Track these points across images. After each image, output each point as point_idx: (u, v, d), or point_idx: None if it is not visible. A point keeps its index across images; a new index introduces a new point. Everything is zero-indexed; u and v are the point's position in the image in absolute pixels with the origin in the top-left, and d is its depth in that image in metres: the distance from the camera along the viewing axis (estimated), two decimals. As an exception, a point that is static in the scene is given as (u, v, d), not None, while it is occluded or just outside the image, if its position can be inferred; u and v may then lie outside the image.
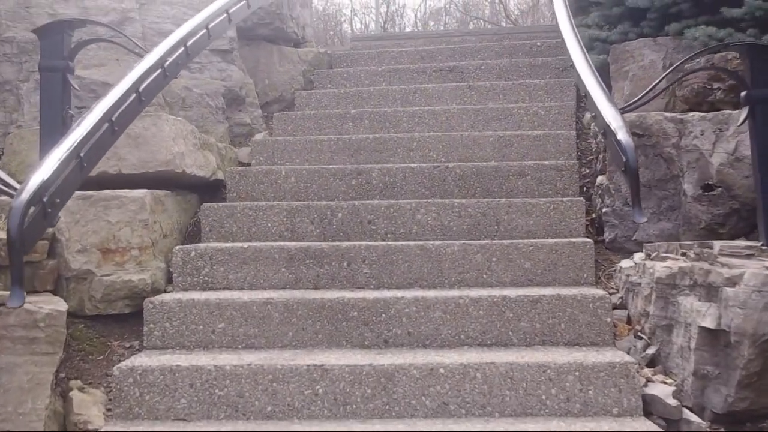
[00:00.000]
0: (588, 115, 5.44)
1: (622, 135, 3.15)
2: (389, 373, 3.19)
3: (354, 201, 4.41)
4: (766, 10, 4.52)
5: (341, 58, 6.81)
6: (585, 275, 3.89)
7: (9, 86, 5.02)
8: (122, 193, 3.92)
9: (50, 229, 3.66)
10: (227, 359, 3.34)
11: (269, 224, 4.37)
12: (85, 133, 3.13)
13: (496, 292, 3.61)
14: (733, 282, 3.00)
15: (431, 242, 3.98)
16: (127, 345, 3.75)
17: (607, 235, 4.25)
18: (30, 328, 3.24)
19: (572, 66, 4.09)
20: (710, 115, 4.06)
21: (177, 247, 4.03)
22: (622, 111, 3.42)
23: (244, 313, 3.59)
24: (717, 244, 3.29)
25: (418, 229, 4.29)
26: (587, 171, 4.87)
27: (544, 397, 3.17)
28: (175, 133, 4.44)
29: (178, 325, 3.60)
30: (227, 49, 5.69)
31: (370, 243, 3.99)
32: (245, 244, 4.02)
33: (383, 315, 3.57)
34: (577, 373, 3.16)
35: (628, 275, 3.76)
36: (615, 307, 3.74)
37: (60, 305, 3.34)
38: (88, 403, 3.30)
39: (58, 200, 2.86)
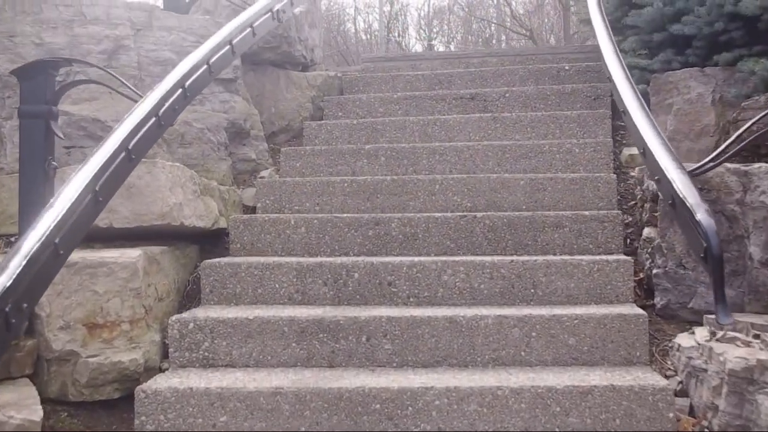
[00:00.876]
0: (626, 153, 4.96)
1: (702, 215, 2.66)
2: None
3: (372, 259, 3.93)
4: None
5: (352, 82, 6.32)
6: (638, 353, 3.41)
7: (-10, 124, 4.56)
8: (110, 258, 3.45)
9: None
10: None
11: (277, 285, 3.90)
12: (63, 213, 2.65)
13: (539, 381, 3.13)
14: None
15: (461, 313, 3.49)
16: (117, 437, 3.29)
17: (659, 301, 3.77)
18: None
19: (624, 112, 3.60)
20: (780, 167, 3.58)
21: (174, 318, 3.55)
22: (693, 174, 2.92)
23: (249, 405, 3.11)
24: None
25: (444, 292, 3.82)
26: (629, 219, 4.39)
27: None
28: (172, 181, 3.98)
29: (174, 417, 3.13)
30: (231, 78, 5.21)
31: (391, 315, 3.51)
32: (250, 315, 3.54)
33: (410, 408, 3.09)
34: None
35: (689, 357, 3.27)
36: (675, 393, 3.26)
37: (34, 414, 2.86)
38: None
39: (25, 305, 2.37)
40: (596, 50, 6.35)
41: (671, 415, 3.04)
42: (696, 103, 4.62)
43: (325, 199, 4.65)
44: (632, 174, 4.79)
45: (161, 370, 3.54)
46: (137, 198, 3.88)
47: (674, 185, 2.78)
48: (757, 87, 4.23)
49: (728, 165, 3.64)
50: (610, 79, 3.99)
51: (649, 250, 3.91)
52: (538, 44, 17.99)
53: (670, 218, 3.63)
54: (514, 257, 3.87)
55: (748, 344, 3.04)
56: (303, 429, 3.10)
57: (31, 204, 3.41)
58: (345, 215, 4.29)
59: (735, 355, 2.94)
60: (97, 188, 2.80)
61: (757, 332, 3.09)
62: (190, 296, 4.08)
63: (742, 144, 3.29)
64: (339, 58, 20.39)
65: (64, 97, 4.01)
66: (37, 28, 4.72)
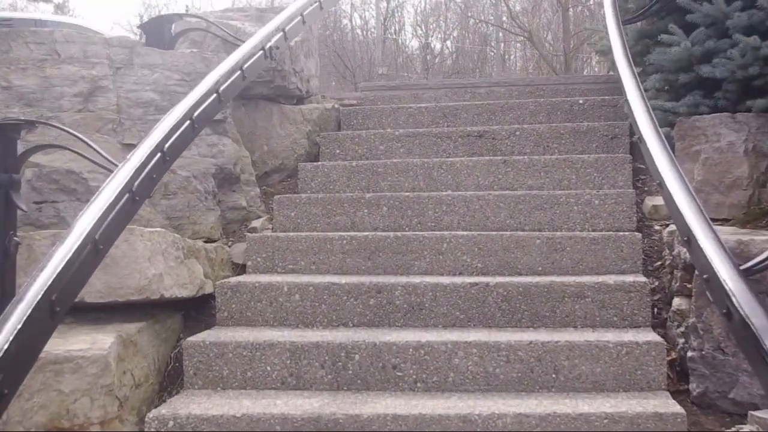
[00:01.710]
0: (649, 204, 4.56)
1: (760, 321, 2.24)
2: None
3: (374, 338, 3.51)
4: None
5: (351, 115, 5.90)
6: (677, 459, 3.02)
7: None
8: (78, 352, 3.06)
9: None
10: None
11: (269, 368, 3.50)
12: (23, 321, 2.25)
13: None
14: None
15: (476, 411, 3.08)
16: None
17: (695, 387, 3.37)
18: None
19: (660, 182, 3.17)
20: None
21: (151, 415, 3.14)
22: (749, 274, 2.50)
23: None
24: None
25: (455, 377, 3.42)
26: (656, 283, 3.99)
27: None
28: (151, 250, 3.58)
29: None
30: (219, 119, 4.79)
31: (398, 412, 3.10)
32: (238, 412, 3.13)
33: None
34: None
35: (737, 467, 2.89)
36: None
37: None
38: None
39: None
40: (611, 81, 5.99)
41: None
42: (727, 153, 4.21)
43: (322, 257, 4.25)
44: (656, 228, 4.40)
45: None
46: (112, 269, 3.49)
47: (729, 293, 2.35)
48: (796, 139, 3.84)
49: (777, 240, 3.25)
50: (640, 140, 3.56)
51: (682, 327, 3.51)
52: (536, 44, 17.62)
53: (705, 293, 3.24)
54: (533, 338, 3.46)
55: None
56: None
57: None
58: (344, 281, 3.89)
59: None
60: (53, 298, 2.38)
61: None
62: (172, 377, 3.68)
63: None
64: (335, 58, 20.01)
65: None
66: (5, 70, 4.30)
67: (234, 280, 4.03)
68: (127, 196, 2.96)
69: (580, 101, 5.61)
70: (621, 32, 4.71)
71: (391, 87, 6.70)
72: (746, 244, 3.23)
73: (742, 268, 2.53)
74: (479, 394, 3.33)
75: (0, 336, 2.16)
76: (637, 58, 4.98)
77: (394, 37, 22.18)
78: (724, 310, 2.42)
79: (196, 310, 4.06)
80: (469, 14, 19.74)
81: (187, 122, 3.60)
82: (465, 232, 4.23)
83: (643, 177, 4.88)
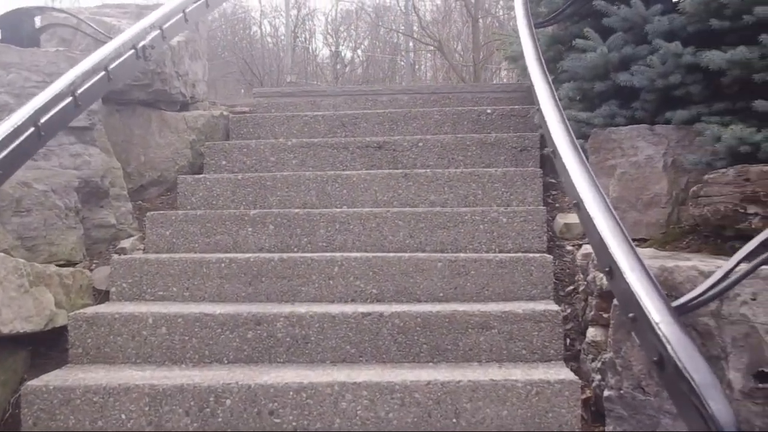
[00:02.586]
0: (561, 222, 4.19)
1: (719, 406, 1.80)
2: None
3: (249, 380, 3.02)
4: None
5: (241, 123, 5.40)
6: None
7: None
8: None
9: None
10: None
11: (123, 416, 2.97)
12: None
13: None
14: None
15: (364, 468, 2.64)
16: None
17: (611, 430, 2.98)
18: None
19: (578, 202, 2.77)
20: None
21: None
22: (682, 311, 2.09)
23: None
24: None
25: (342, 423, 2.95)
26: (568, 311, 3.61)
27: None
28: (-16, 278, 3.01)
29: None
30: (85, 126, 4.24)
31: (270, 471, 2.63)
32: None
33: None
34: None
35: None
36: None
37: None
38: None
39: None
40: (521, 90, 5.66)
41: None
42: (644, 167, 3.88)
43: (197, 282, 3.74)
44: (569, 248, 4.03)
45: None
46: (-65, 302, 2.92)
47: (662, 339, 1.94)
48: (719, 155, 3.51)
49: (701, 266, 2.88)
50: (554, 153, 3.17)
51: (598, 362, 3.13)
52: (446, 54, 17.46)
53: (627, 330, 2.86)
54: (432, 377, 3.02)
55: None
56: None
57: None
58: (219, 311, 3.39)
59: None
60: None
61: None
62: (11, 426, 3.12)
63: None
64: (243, 65, 19.46)
65: None
66: None
67: (91, 310, 3.48)
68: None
69: (488, 111, 5.23)
70: (533, 35, 4.34)
71: (287, 93, 6.20)
72: (670, 272, 2.85)
73: (674, 305, 2.14)
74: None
75: None
76: (550, 64, 4.60)
77: (305, 45, 21.78)
78: (655, 358, 2.02)
79: (47, 346, 3.50)
80: (380, 23, 19.48)
81: (31, 129, 3.06)
82: (359, 254, 3.78)
83: (554, 192, 4.52)
